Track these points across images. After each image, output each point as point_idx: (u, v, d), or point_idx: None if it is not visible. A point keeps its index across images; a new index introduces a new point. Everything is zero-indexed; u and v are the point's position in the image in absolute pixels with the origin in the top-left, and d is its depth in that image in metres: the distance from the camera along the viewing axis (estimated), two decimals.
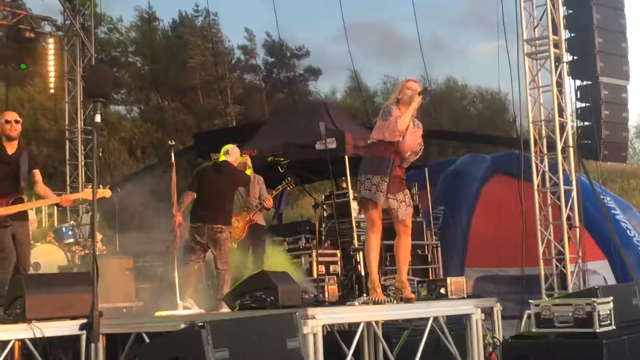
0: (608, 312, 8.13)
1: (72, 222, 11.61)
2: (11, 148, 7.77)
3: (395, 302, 7.74)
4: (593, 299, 8.02)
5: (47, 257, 10.02)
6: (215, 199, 8.82)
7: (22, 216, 7.82)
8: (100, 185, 9.19)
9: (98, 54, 17.83)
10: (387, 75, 38.40)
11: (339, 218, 11.27)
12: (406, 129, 7.56)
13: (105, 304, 8.37)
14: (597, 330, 7.89)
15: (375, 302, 7.58)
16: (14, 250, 7.64)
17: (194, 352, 5.37)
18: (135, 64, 35.63)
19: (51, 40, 15.41)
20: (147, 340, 7.00)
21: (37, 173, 7.92)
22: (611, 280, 11.79)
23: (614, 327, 8.15)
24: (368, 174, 7.59)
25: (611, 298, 8.24)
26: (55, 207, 12.12)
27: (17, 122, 7.80)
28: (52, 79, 15.49)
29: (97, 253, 6.86)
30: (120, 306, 8.83)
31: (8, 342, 7.00)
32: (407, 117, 7.54)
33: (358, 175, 7.86)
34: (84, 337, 6.89)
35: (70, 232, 10.79)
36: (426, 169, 13.16)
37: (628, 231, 12.59)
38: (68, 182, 14.99)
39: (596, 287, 8.86)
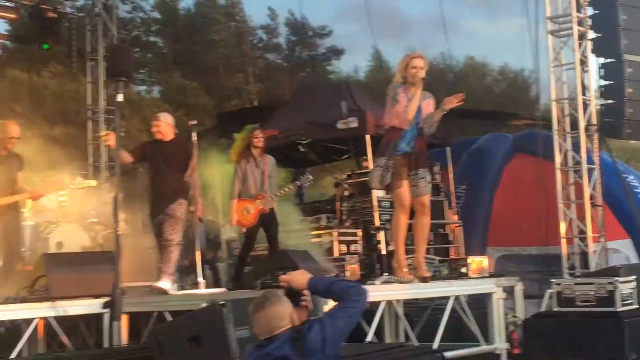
0: (630, 291, 8.11)
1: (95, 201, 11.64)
2: None
3: (416, 281, 7.76)
4: (615, 278, 7.99)
5: (70, 236, 10.08)
6: None
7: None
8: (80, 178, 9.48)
9: (120, 34, 17.82)
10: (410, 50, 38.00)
11: (360, 197, 11.26)
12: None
13: (128, 283, 8.45)
14: (619, 309, 7.87)
15: (401, 282, 7.59)
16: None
17: (216, 331, 5.41)
18: (157, 44, 35.64)
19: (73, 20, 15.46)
20: (170, 318, 7.06)
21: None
22: (634, 259, 11.73)
23: (636, 306, 8.13)
24: (375, 159, 7.79)
25: (634, 277, 8.21)
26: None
27: None
28: (74, 59, 15.55)
29: (120, 232, 6.91)
30: (143, 285, 8.88)
31: (32, 320, 7.09)
32: (415, 103, 7.56)
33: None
34: (106, 316, 6.96)
35: (93, 212, 10.86)
36: (448, 148, 13.12)
37: None
38: (90, 162, 15.05)
39: (618, 266, 8.84)
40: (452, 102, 7.50)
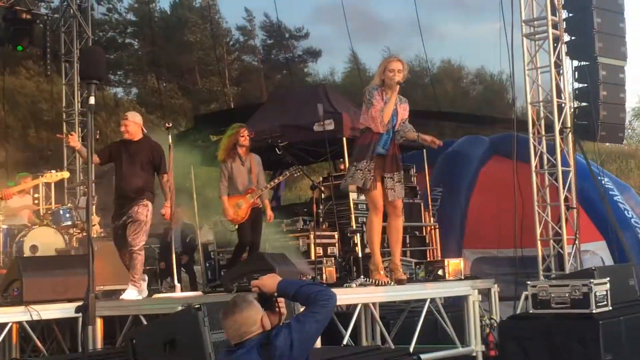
0: (605, 292, 8.15)
1: (69, 205, 11.57)
2: None
3: (392, 284, 7.77)
4: (590, 280, 8.04)
5: (44, 240, 9.99)
6: None
7: None
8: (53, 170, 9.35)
9: (95, 36, 17.74)
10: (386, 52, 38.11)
11: (337, 200, 11.25)
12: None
13: (102, 287, 8.39)
14: (594, 311, 7.91)
15: (378, 284, 7.59)
16: None
17: (191, 334, 5.38)
18: (133, 45, 35.52)
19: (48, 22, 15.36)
20: (145, 322, 7.02)
21: None
22: (609, 261, 11.79)
23: (611, 308, 8.17)
24: (354, 161, 7.77)
25: (608, 279, 8.26)
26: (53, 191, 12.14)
27: None
28: (48, 61, 15.44)
29: (95, 236, 6.87)
30: (117, 288, 8.82)
31: (6, 324, 7.03)
32: (390, 107, 7.57)
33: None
34: (80, 320, 6.90)
35: (67, 215, 10.76)
36: (424, 150, 13.13)
37: (626, 212, 12.59)
38: (65, 165, 14.95)
39: (593, 268, 8.89)
40: (427, 142, 7.66)
